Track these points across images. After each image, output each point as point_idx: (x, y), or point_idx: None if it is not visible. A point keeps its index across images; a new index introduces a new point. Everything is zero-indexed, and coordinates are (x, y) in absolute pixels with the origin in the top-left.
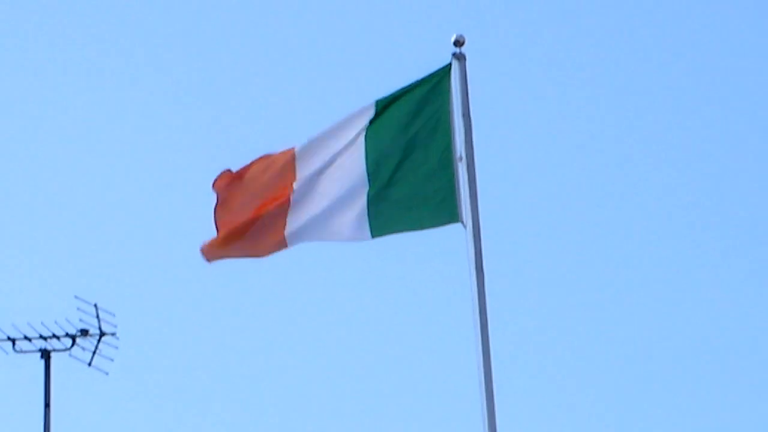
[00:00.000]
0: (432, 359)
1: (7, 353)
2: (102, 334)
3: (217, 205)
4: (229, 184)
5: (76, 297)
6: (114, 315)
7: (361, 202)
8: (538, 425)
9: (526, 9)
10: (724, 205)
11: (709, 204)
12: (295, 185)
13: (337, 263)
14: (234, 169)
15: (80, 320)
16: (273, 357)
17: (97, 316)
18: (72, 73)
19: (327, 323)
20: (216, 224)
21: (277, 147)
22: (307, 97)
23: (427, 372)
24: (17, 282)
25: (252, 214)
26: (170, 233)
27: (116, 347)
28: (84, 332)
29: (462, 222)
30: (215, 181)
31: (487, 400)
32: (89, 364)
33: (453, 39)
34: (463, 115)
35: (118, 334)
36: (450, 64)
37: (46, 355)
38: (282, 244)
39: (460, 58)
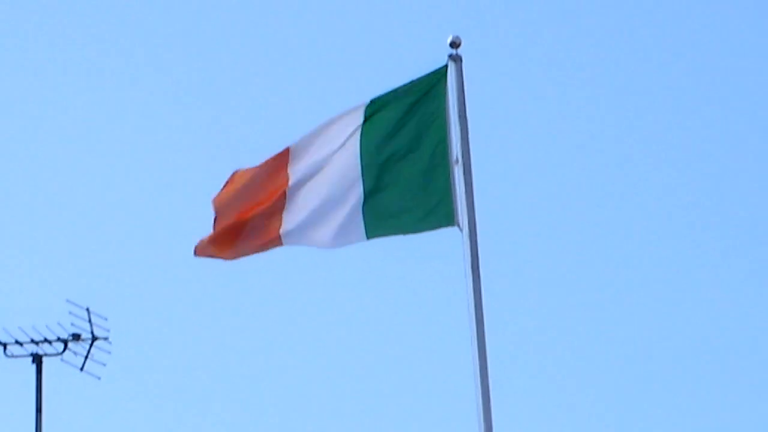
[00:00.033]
0: (428, 363)
1: None
2: (94, 338)
3: (216, 214)
4: (226, 192)
5: (68, 301)
6: (106, 319)
7: (356, 202)
8: (534, 427)
9: (524, 10)
10: (724, 205)
11: (709, 204)
12: (289, 183)
13: (333, 267)
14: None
15: (72, 324)
16: (269, 360)
17: (90, 321)
18: (63, 77)
19: (323, 327)
20: (214, 225)
21: (275, 147)
22: (304, 97)
23: (423, 376)
24: (9, 286)
25: (246, 214)
26: (163, 237)
27: (109, 352)
28: (76, 336)
29: (458, 225)
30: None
31: (483, 403)
32: (81, 369)
33: (449, 40)
34: (460, 117)
35: (110, 339)
36: (446, 66)
37: (37, 359)
38: (277, 242)
39: (456, 59)
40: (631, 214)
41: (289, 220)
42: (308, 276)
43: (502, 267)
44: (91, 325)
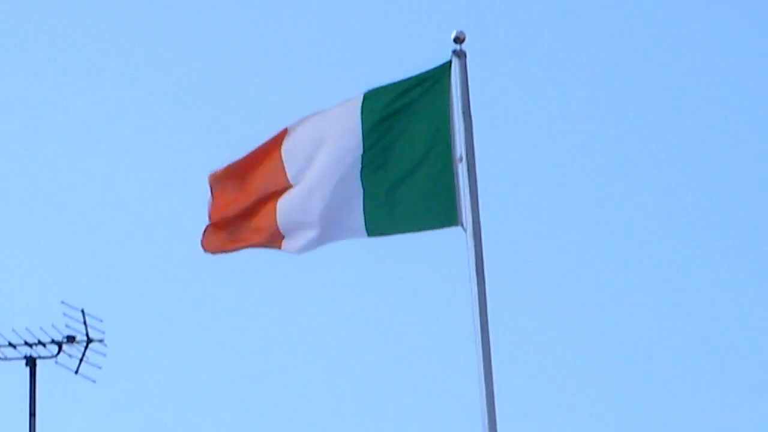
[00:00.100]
0: (432, 364)
1: None
2: (89, 340)
3: (211, 198)
4: (223, 178)
5: (62, 302)
6: (101, 321)
7: (358, 199)
8: (538, 429)
9: (529, 4)
10: (724, 205)
11: (709, 204)
12: (287, 177)
13: (333, 267)
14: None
15: (67, 326)
16: (268, 362)
17: (84, 322)
18: (57, 77)
19: (324, 330)
20: (209, 215)
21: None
22: (304, 93)
23: (427, 377)
24: (2, 287)
25: (244, 210)
26: (160, 237)
27: (104, 354)
28: (71, 339)
29: (462, 225)
30: (212, 175)
31: (487, 405)
32: (76, 372)
33: (453, 36)
34: (464, 114)
35: (105, 341)
36: (450, 62)
37: (31, 362)
38: (277, 243)
39: (460, 55)
40: (638, 214)
41: (288, 222)
42: (309, 277)
43: (507, 268)
44: (86, 327)
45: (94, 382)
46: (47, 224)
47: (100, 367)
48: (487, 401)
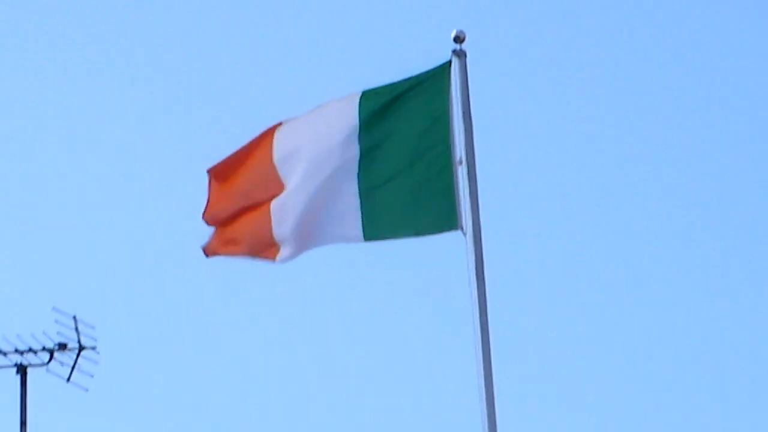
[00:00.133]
0: (431, 371)
1: None
2: (81, 348)
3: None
4: (217, 172)
5: (54, 309)
6: (94, 328)
7: (354, 202)
8: None
9: (531, 3)
10: (724, 205)
11: (710, 204)
12: (280, 176)
13: (332, 272)
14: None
15: (58, 333)
16: (264, 370)
17: (76, 329)
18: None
19: (322, 337)
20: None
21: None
22: (303, 92)
23: (426, 384)
24: None
25: (238, 210)
26: (153, 243)
27: (96, 362)
28: (62, 346)
29: (461, 229)
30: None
31: (488, 409)
32: (68, 380)
33: (453, 35)
34: (464, 116)
35: (98, 348)
36: (450, 62)
37: (22, 370)
38: (272, 248)
39: (460, 55)
40: (639, 216)
41: (282, 224)
42: (306, 283)
43: (508, 273)
44: (78, 334)
45: (86, 390)
46: (38, 229)
47: (92, 375)
48: (488, 406)
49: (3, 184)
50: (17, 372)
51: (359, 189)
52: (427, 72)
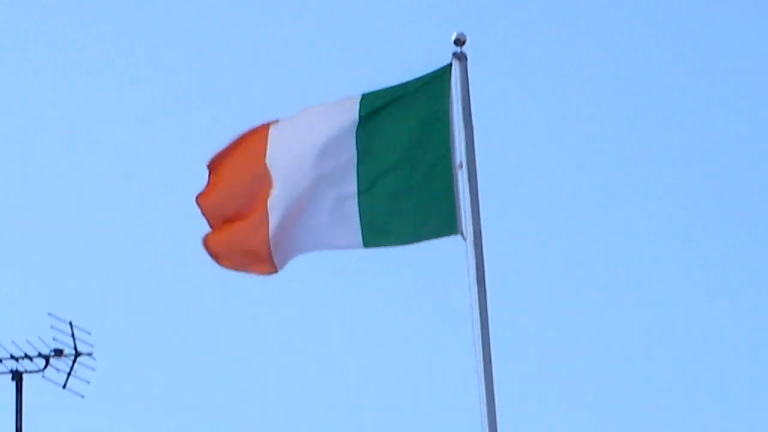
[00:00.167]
0: (432, 378)
1: None
2: (77, 354)
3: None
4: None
5: (49, 314)
6: (90, 334)
7: (353, 208)
8: None
9: (532, 5)
10: (725, 205)
11: (712, 205)
12: (273, 185)
13: (330, 278)
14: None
15: (54, 339)
16: (262, 376)
17: (73, 335)
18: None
19: (321, 341)
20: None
21: None
22: (303, 94)
23: (427, 390)
24: None
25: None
26: (150, 248)
27: (93, 368)
28: (58, 352)
29: (462, 234)
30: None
31: (489, 415)
32: (64, 387)
33: (453, 37)
34: (464, 119)
35: (94, 355)
36: (450, 65)
37: (17, 376)
38: (269, 260)
39: (460, 57)
40: (642, 220)
41: (278, 230)
42: (305, 288)
43: (509, 279)
44: (74, 340)
45: (82, 397)
46: (34, 233)
47: (88, 382)
48: (488, 411)
49: None
50: (12, 378)
51: (357, 194)
52: (427, 75)
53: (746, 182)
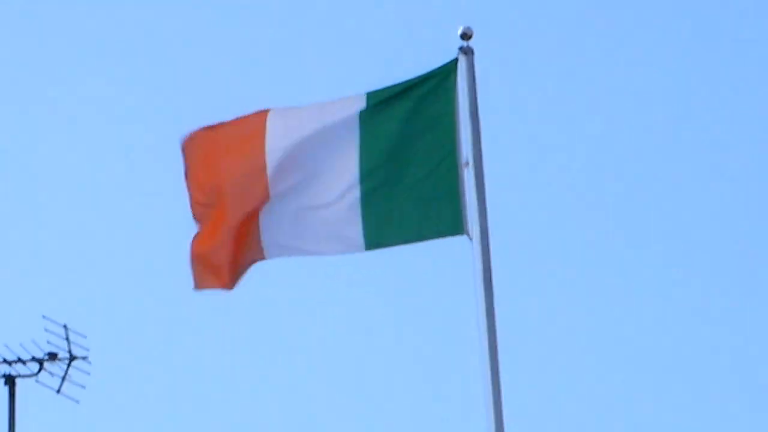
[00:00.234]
0: (437, 384)
1: None
2: (72, 358)
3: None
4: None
5: (43, 317)
6: (85, 337)
7: (355, 209)
8: None
9: None
10: (729, 205)
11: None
12: (269, 183)
13: (332, 280)
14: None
15: (48, 343)
16: (261, 379)
17: (67, 339)
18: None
19: (322, 343)
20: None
21: None
22: (306, 88)
23: (432, 395)
24: None
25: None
26: (146, 249)
27: (88, 372)
28: (52, 356)
29: (468, 234)
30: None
31: (495, 418)
32: (58, 391)
33: (460, 31)
34: (471, 116)
35: (89, 358)
36: (456, 59)
37: (10, 381)
38: (258, 254)
39: (467, 52)
40: (655, 220)
41: (270, 227)
42: (305, 290)
43: (517, 280)
44: (68, 344)
45: (77, 402)
46: (27, 235)
47: (83, 386)
48: (495, 415)
49: None
50: (5, 383)
51: (360, 193)
52: (433, 70)
53: (751, 182)
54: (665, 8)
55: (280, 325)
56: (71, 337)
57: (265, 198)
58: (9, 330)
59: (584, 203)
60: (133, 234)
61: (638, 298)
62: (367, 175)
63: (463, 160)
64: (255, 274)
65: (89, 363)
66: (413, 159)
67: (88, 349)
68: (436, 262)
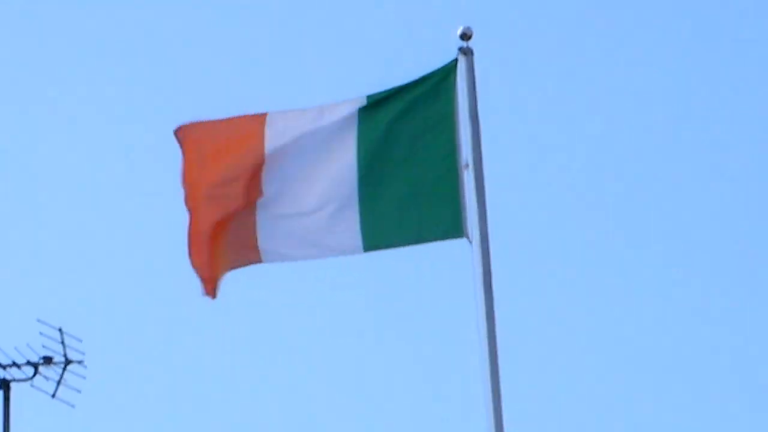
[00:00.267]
0: (436, 389)
1: None
2: (67, 362)
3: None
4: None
5: (38, 321)
6: (81, 341)
7: (353, 210)
8: None
9: None
10: (734, 206)
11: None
12: (263, 184)
13: (330, 283)
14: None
15: (43, 346)
16: (258, 383)
17: (62, 342)
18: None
19: (319, 349)
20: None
21: None
22: (304, 89)
23: (431, 399)
24: None
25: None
26: (143, 252)
27: (83, 377)
28: (47, 360)
29: (467, 237)
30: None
31: (495, 424)
32: (53, 396)
33: (459, 32)
34: (470, 117)
35: (85, 362)
36: (456, 60)
37: (5, 385)
38: (255, 257)
39: (467, 52)
40: (657, 221)
41: (266, 231)
42: (304, 293)
43: (517, 284)
44: (64, 347)
45: (72, 406)
46: (22, 235)
47: (79, 391)
48: (495, 419)
49: None
50: (0, 387)
51: (358, 195)
52: (432, 72)
53: (755, 183)
54: (665, 8)
55: (279, 327)
56: (67, 341)
57: (258, 197)
58: (4, 333)
59: (584, 205)
60: (130, 236)
61: (638, 299)
62: (365, 176)
63: (463, 162)
64: (254, 276)
65: (85, 367)
66: (412, 160)
67: (83, 353)
68: (435, 265)
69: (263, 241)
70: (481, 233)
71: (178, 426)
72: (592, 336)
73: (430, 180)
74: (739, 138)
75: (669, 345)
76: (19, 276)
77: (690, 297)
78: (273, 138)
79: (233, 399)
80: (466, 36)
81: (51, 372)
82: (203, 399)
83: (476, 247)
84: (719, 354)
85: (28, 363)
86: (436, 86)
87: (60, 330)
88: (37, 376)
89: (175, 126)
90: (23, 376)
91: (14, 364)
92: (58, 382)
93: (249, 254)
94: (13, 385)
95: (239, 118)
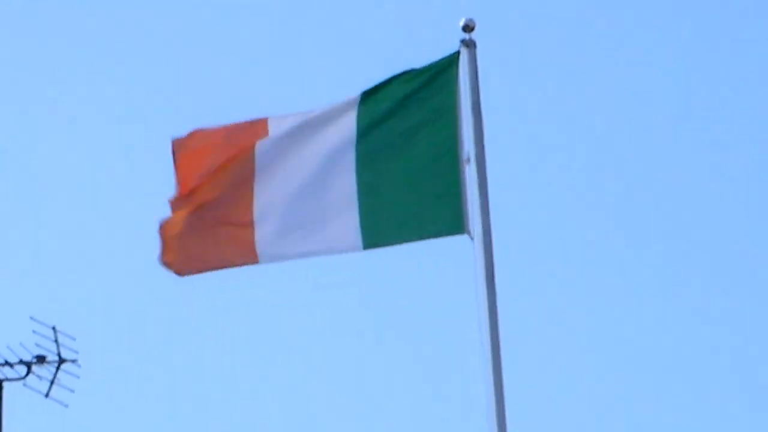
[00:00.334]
0: (438, 385)
1: None
2: (61, 360)
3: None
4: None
5: (31, 319)
6: (75, 339)
7: (353, 207)
8: None
9: None
10: (737, 206)
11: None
12: (256, 182)
13: (330, 280)
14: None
15: (36, 345)
16: (255, 382)
17: (56, 341)
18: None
19: (319, 347)
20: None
21: None
22: (305, 81)
23: (433, 399)
24: None
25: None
26: (137, 250)
27: (77, 376)
28: (41, 359)
29: (469, 233)
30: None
31: (498, 421)
32: (46, 395)
33: (462, 23)
34: (473, 110)
35: (79, 361)
36: (458, 52)
37: None
38: (252, 257)
39: (469, 44)
40: (660, 217)
41: (266, 231)
42: (303, 290)
43: (520, 280)
44: (57, 346)
45: (66, 406)
46: (15, 235)
47: (72, 390)
48: (498, 417)
49: None
50: None
51: (358, 191)
52: (434, 63)
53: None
54: (665, 8)
55: (278, 326)
56: (60, 340)
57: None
58: None
59: (587, 201)
60: (124, 235)
61: (639, 298)
62: (365, 174)
63: (464, 156)
64: (253, 275)
65: (78, 366)
66: (413, 154)
67: (77, 352)
68: (437, 262)
69: (260, 243)
70: (483, 229)
71: (173, 426)
72: (594, 333)
73: (431, 174)
74: (739, 138)
75: (668, 342)
76: (12, 274)
77: (690, 297)
78: (271, 139)
79: (230, 398)
80: (468, 28)
81: (44, 371)
82: (199, 399)
83: (478, 243)
84: (719, 354)
85: (21, 362)
86: (438, 78)
87: (53, 328)
88: (30, 375)
89: (174, 125)
90: (16, 376)
91: (7, 363)
92: (52, 382)
93: (245, 255)
94: (5, 384)
95: (236, 125)
